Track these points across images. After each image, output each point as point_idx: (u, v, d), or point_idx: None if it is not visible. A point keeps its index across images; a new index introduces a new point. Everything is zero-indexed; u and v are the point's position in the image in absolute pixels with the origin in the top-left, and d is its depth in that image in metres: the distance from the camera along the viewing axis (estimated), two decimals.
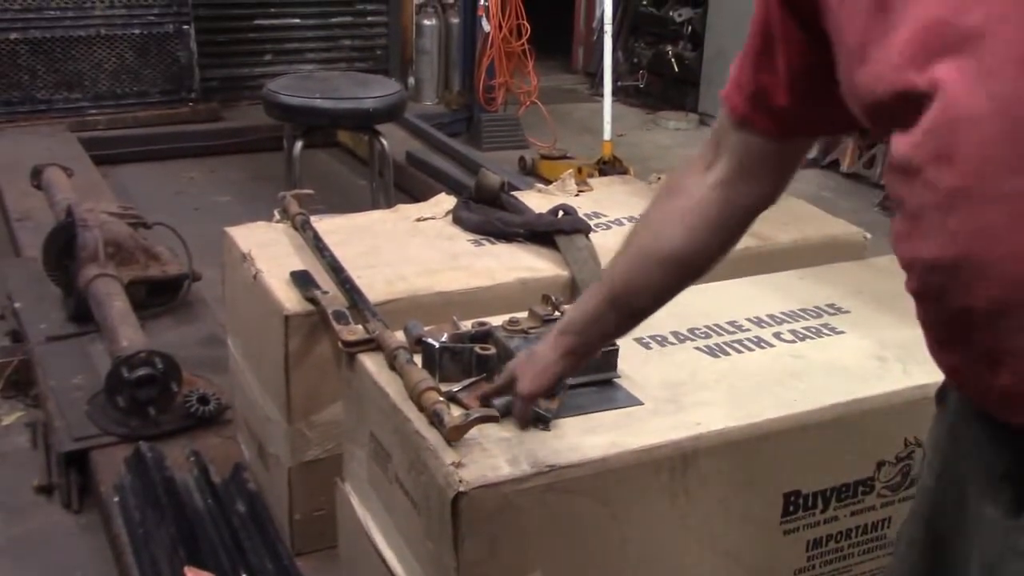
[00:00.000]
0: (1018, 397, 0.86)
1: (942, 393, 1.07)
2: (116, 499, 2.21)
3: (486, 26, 5.47)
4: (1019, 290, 0.81)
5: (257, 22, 5.98)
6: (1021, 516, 0.91)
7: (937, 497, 1.05)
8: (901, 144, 0.86)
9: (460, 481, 1.36)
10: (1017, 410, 0.88)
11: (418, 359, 1.62)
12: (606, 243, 2.26)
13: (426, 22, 6.37)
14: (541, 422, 1.47)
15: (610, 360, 1.61)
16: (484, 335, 1.66)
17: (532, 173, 5.05)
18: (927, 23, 0.81)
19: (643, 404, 1.57)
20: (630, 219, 2.43)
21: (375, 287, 2.00)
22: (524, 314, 1.71)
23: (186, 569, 1.86)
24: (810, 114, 1.08)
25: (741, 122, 1.11)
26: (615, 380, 1.61)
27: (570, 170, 2.92)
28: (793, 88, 1.06)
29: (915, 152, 0.84)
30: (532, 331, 1.65)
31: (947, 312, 0.88)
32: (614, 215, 2.45)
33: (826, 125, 1.12)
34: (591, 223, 2.31)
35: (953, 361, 0.94)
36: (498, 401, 1.48)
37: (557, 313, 1.70)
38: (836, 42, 0.95)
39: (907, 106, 0.84)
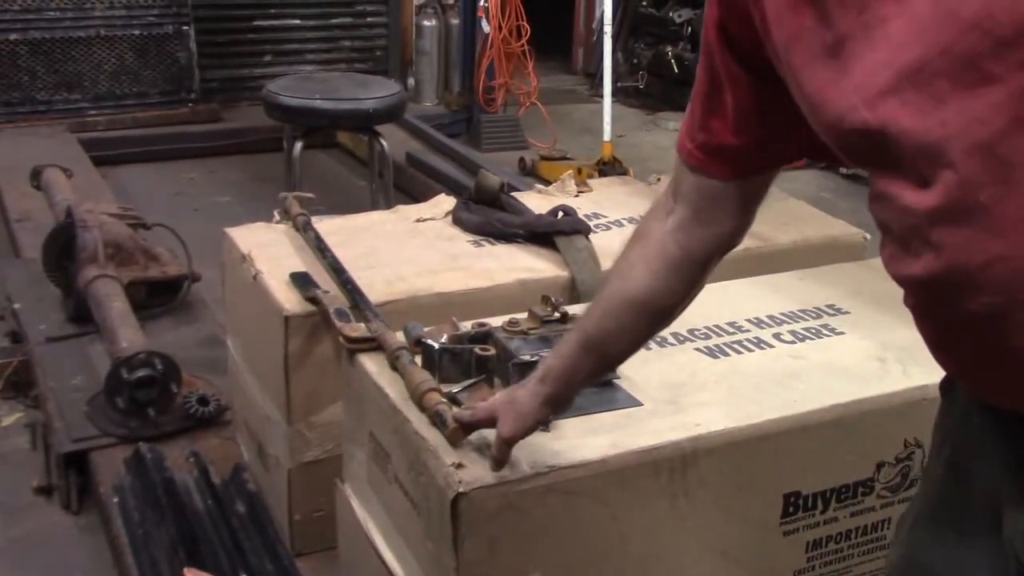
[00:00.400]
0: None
1: (948, 383, 1.07)
2: (116, 500, 2.21)
3: (486, 27, 5.47)
4: (1009, 292, 0.83)
5: (257, 23, 5.97)
6: None
7: (949, 485, 1.06)
8: (875, 178, 0.92)
9: (460, 482, 1.36)
10: None
11: (418, 360, 1.62)
12: (606, 244, 2.26)
13: (426, 23, 6.37)
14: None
15: None
16: (484, 336, 1.66)
17: (532, 174, 5.05)
18: (873, 65, 0.86)
19: (643, 405, 1.57)
20: (630, 220, 2.43)
21: (375, 288, 2.00)
22: (524, 315, 1.71)
23: (186, 570, 1.86)
24: (763, 151, 1.11)
25: (694, 168, 1.14)
26: (615, 381, 1.61)
27: (570, 171, 2.92)
28: (743, 128, 1.09)
29: (888, 185, 0.89)
30: (532, 332, 1.65)
31: (945, 322, 0.91)
32: (614, 216, 2.45)
33: (779, 159, 1.15)
34: (591, 224, 2.31)
35: (956, 363, 0.96)
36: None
37: (556, 314, 1.70)
38: (792, 88, 0.98)
39: (869, 143, 0.88)
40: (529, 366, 1.49)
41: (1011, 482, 0.96)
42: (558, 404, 1.33)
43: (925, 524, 1.11)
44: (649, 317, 1.23)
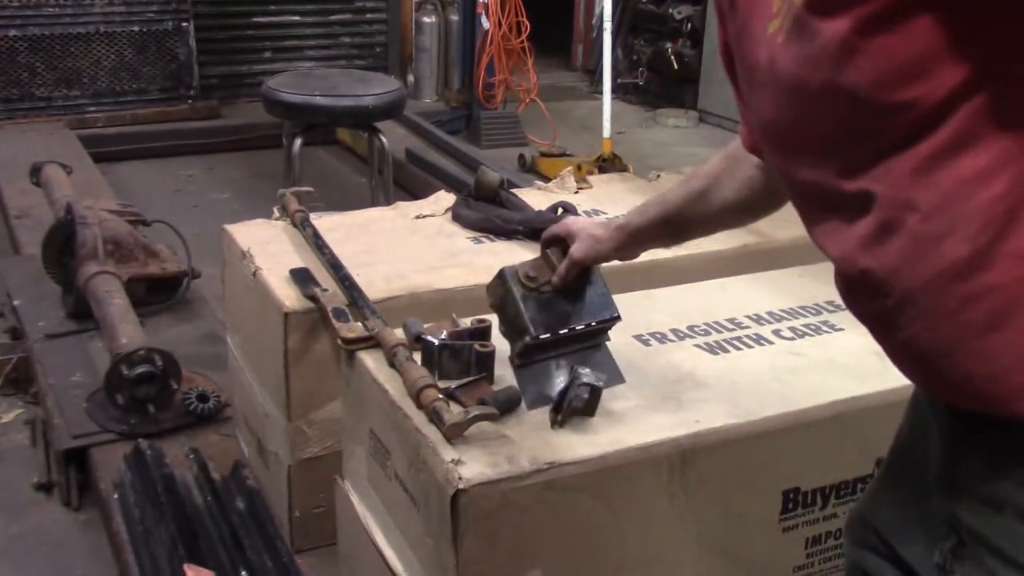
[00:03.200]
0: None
1: None
2: (115, 496, 2.21)
3: (485, 23, 5.47)
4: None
5: (256, 19, 5.97)
6: (958, 448, 0.99)
7: (904, 448, 1.17)
8: None
9: (459, 478, 1.36)
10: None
11: (417, 357, 1.62)
12: None
13: (425, 19, 6.37)
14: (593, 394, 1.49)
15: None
16: (483, 332, 1.66)
17: (531, 171, 5.05)
18: (779, 126, 1.00)
19: (625, 382, 1.56)
20: None
21: (374, 284, 2.00)
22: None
23: (185, 566, 1.86)
24: None
25: (753, 151, 1.27)
26: (605, 345, 1.60)
27: (569, 167, 2.92)
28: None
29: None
30: (545, 288, 1.62)
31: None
32: (613, 212, 2.45)
33: None
34: None
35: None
36: (496, 399, 1.48)
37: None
38: None
39: None
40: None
41: (942, 462, 1.01)
42: (626, 254, 1.52)
43: (880, 481, 1.21)
44: (726, 221, 1.43)
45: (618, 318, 1.57)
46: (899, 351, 0.98)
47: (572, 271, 1.51)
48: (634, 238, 1.47)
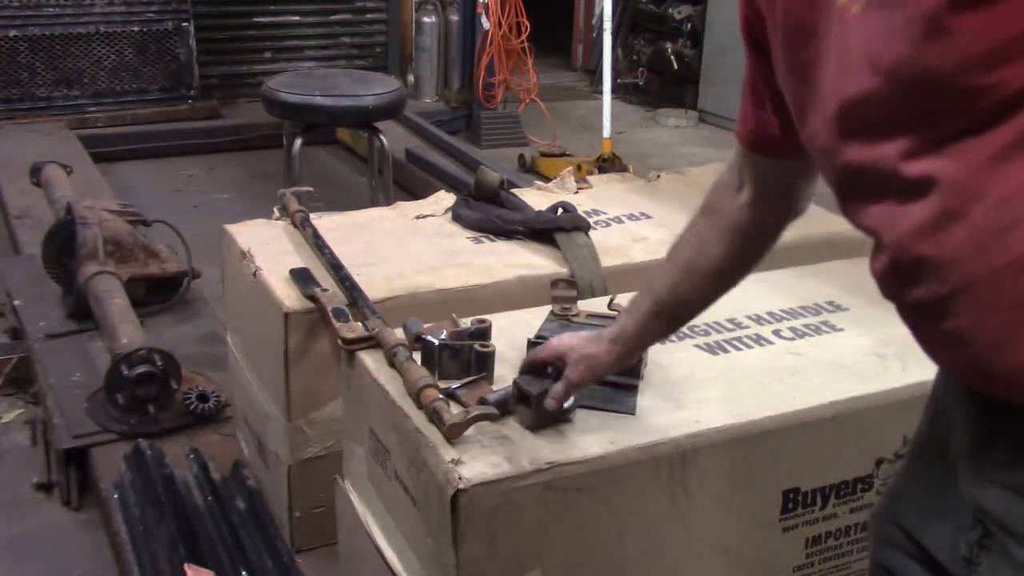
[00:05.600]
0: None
1: None
2: (116, 496, 2.21)
3: (485, 23, 5.47)
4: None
5: (256, 19, 5.98)
6: (987, 447, 0.98)
7: (928, 437, 1.15)
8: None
9: (460, 478, 1.36)
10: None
11: (417, 357, 1.62)
12: (605, 240, 2.26)
13: (425, 19, 6.37)
14: (563, 420, 1.49)
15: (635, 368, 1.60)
16: (483, 332, 1.66)
17: (531, 170, 5.05)
18: (840, 102, 0.94)
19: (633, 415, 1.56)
20: (629, 217, 2.43)
21: (374, 284, 2.00)
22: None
23: (186, 566, 1.86)
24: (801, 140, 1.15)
25: (751, 151, 1.24)
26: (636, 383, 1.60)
27: (569, 167, 2.92)
28: (781, 119, 1.15)
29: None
30: (575, 319, 1.67)
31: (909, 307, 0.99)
32: (613, 212, 2.45)
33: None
34: (590, 220, 2.31)
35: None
36: (496, 398, 1.49)
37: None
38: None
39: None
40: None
41: (970, 453, 1.00)
42: (625, 363, 1.45)
43: (903, 477, 1.21)
44: (723, 282, 1.34)
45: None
46: (942, 340, 0.94)
47: (570, 394, 1.45)
48: (630, 347, 1.40)
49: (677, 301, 1.36)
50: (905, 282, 0.94)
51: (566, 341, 1.46)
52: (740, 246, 1.29)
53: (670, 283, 1.35)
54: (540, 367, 1.47)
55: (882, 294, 1.01)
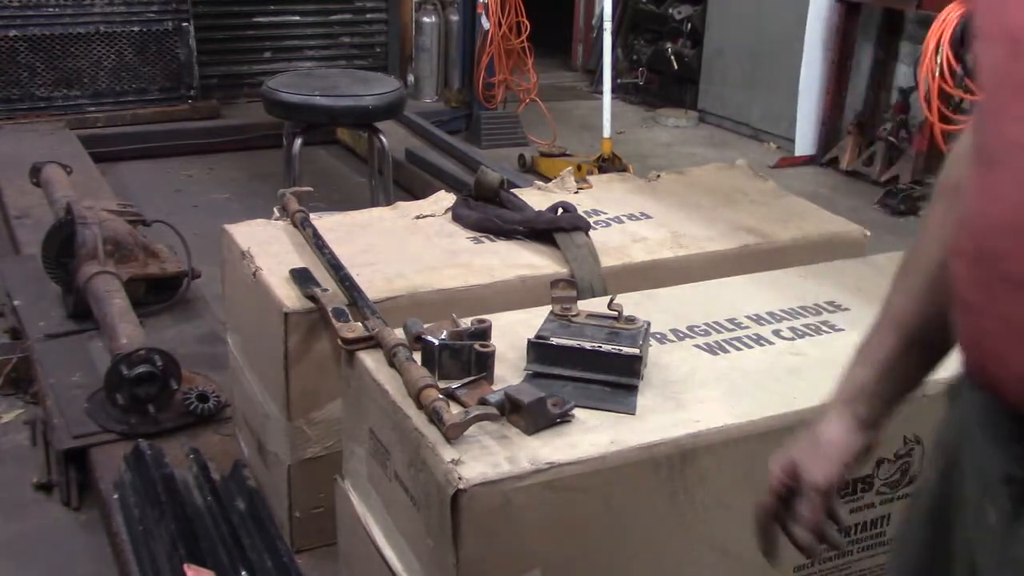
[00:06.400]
0: None
1: (955, 389, 1.02)
2: (116, 496, 2.21)
3: (485, 23, 5.47)
4: None
5: (256, 19, 5.97)
6: (1018, 523, 0.87)
7: (940, 492, 1.02)
8: None
9: (459, 478, 1.36)
10: None
11: (417, 357, 1.62)
12: (605, 240, 2.26)
13: (426, 19, 6.37)
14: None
15: (633, 367, 1.60)
16: (483, 332, 1.66)
17: (531, 170, 5.05)
18: None
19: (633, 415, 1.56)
20: (629, 216, 2.43)
21: (375, 284, 2.00)
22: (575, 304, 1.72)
23: (185, 566, 1.86)
24: None
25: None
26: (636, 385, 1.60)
27: (569, 167, 2.92)
28: None
29: None
30: (576, 319, 1.66)
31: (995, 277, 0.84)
32: (613, 212, 2.45)
33: None
34: (590, 220, 2.31)
35: (983, 334, 0.88)
36: (496, 399, 1.49)
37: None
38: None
39: None
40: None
41: (995, 493, 0.91)
42: (876, 426, 1.07)
43: (919, 534, 1.07)
44: None
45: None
46: None
47: (822, 505, 1.08)
48: (876, 408, 1.06)
49: (932, 325, 1.01)
50: None
51: (788, 452, 1.11)
52: None
53: (917, 302, 1.03)
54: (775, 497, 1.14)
55: (955, 251, 0.86)
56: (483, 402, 1.48)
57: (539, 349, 1.60)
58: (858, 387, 1.07)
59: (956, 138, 1.02)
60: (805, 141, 5.62)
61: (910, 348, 1.04)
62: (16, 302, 3.09)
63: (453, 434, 1.42)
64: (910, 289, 1.04)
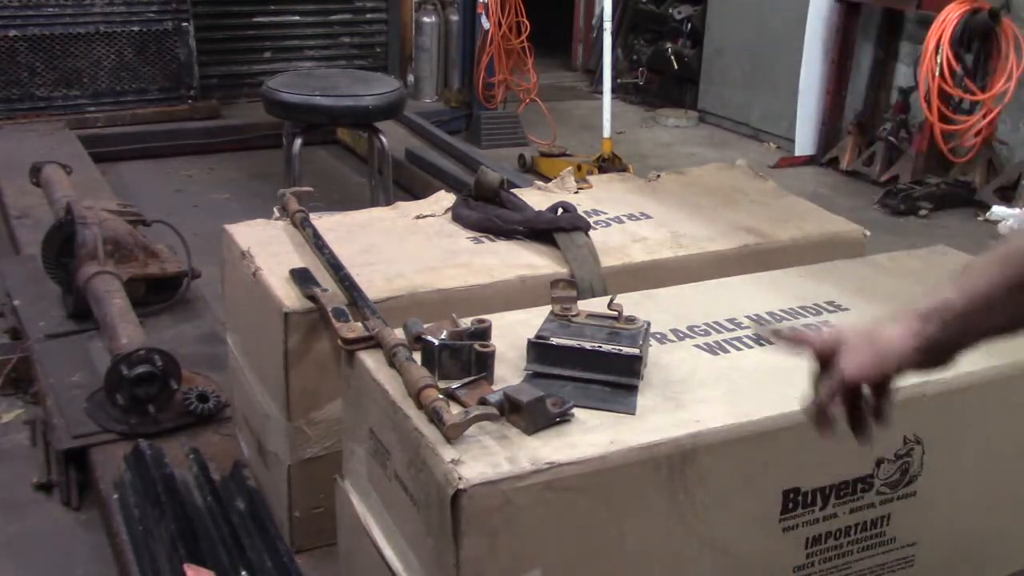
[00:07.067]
0: None
1: None
2: (115, 496, 2.21)
3: (485, 23, 5.47)
4: None
5: (256, 19, 5.98)
6: None
7: None
8: None
9: (459, 478, 1.36)
10: None
11: (417, 357, 1.62)
12: (605, 240, 2.26)
13: (425, 19, 6.37)
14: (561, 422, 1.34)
15: (634, 367, 1.60)
16: (483, 332, 1.66)
17: (531, 170, 5.05)
18: None
19: (633, 415, 1.56)
20: (629, 216, 2.43)
21: (375, 284, 2.00)
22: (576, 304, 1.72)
23: (185, 566, 1.86)
24: None
25: None
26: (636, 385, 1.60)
27: (569, 167, 2.92)
28: None
29: None
30: (576, 319, 1.66)
31: None
32: (613, 212, 2.45)
33: None
34: (590, 220, 2.31)
35: None
36: (495, 398, 1.49)
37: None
38: None
39: None
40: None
41: None
42: (938, 356, 1.00)
43: None
44: None
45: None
46: None
47: (835, 392, 1.05)
48: (952, 331, 0.98)
49: None
50: None
51: (849, 327, 1.07)
52: None
53: None
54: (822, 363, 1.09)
55: None
56: (483, 402, 1.48)
57: (539, 349, 1.60)
58: (940, 306, 0.99)
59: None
60: (805, 141, 5.62)
61: (1014, 292, 0.95)
62: (16, 302, 3.09)
63: (453, 434, 1.42)
64: None
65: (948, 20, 4.68)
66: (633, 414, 1.54)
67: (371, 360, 1.68)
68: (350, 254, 2.12)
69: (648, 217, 2.43)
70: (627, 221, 2.41)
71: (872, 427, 1.10)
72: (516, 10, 5.52)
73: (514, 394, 1.47)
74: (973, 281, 0.98)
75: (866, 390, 1.08)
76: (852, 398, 1.07)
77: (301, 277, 2.03)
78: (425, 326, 1.67)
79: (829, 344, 1.08)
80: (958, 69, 4.75)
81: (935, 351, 1.01)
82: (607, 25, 4.96)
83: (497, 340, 1.65)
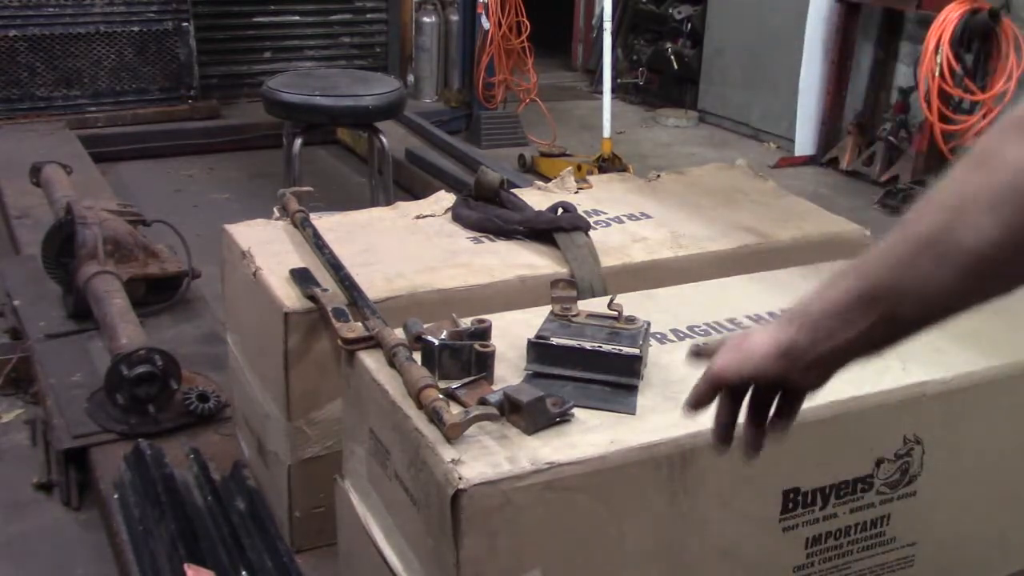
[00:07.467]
0: None
1: None
2: (116, 496, 2.21)
3: (485, 23, 5.47)
4: None
5: (256, 19, 5.98)
6: None
7: None
8: None
9: (460, 478, 1.36)
10: None
11: (417, 357, 1.62)
12: (605, 240, 2.26)
13: (425, 19, 6.37)
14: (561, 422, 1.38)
15: (633, 367, 1.60)
16: (483, 332, 1.66)
17: (531, 170, 5.05)
18: None
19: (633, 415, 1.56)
20: (629, 216, 2.43)
21: (375, 284, 2.00)
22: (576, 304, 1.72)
23: (186, 566, 1.86)
24: None
25: None
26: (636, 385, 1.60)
27: (569, 167, 2.92)
28: None
29: None
30: (576, 319, 1.66)
31: None
32: (613, 212, 2.45)
33: None
34: (590, 220, 2.31)
35: None
36: (496, 399, 1.49)
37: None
38: None
39: None
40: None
41: None
42: (806, 366, 0.95)
43: None
44: (986, 281, 0.83)
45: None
46: None
47: (705, 391, 1.04)
48: (814, 335, 0.92)
49: (898, 291, 0.85)
50: None
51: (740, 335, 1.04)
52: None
53: (893, 263, 0.85)
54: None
55: None
56: (483, 402, 1.48)
57: (539, 349, 1.60)
58: (799, 312, 0.94)
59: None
60: (805, 141, 5.62)
61: (866, 305, 0.87)
62: (16, 302, 3.09)
63: (453, 434, 1.42)
64: (892, 246, 0.87)
65: (948, 20, 4.68)
66: (633, 414, 1.54)
67: (371, 360, 1.68)
68: (350, 254, 2.12)
69: (648, 217, 2.43)
70: (627, 221, 2.41)
71: (760, 439, 1.08)
72: (516, 10, 5.52)
73: (514, 394, 1.47)
74: (829, 288, 0.92)
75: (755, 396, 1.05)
76: (730, 401, 1.05)
77: (301, 277, 2.03)
78: (425, 326, 1.67)
79: (713, 348, 1.07)
80: (958, 69, 4.75)
81: (799, 358, 0.95)
82: (607, 25, 4.96)
83: (497, 340, 1.65)
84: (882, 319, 0.88)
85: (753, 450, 1.08)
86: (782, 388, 1.03)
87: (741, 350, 0.99)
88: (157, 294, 3.11)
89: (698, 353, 1.12)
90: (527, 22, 5.56)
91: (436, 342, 1.61)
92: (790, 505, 1.62)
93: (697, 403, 1.05)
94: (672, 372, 1.66)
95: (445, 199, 2.49)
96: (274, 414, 2.10)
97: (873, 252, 0.90)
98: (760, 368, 0.98)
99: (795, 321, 0.95)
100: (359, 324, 1.77)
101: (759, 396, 1.05)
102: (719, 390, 1.04)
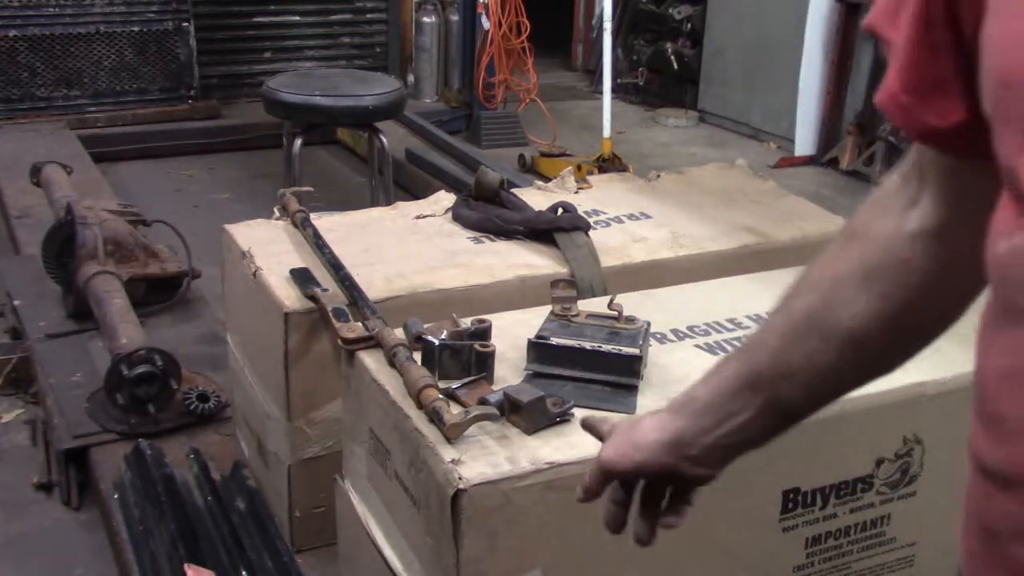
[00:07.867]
0: None
1: None
2: (116, 496, 2.21)
3: (485, 23, 5.47)
4: None
5: (256, 19, 5.97)
6: None
7: None
8: None
9: (460, 478, 1.36)
10: None
11: (417, 357, 1.62)
12: (605, 240, 2.26)
13: (426, 19, 6.37)
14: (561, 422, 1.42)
15: (633, 367, 1.60)
16: (483, 332, 1.66)
17: (531, 170, 5.05)
18: None
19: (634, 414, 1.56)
20: (629, 216, 2.43)
21: (375, 284, 2.00)
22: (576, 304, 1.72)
23: (186, 566, 1.86)
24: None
25: (921, 141, 0.78)
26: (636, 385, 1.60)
27: (569, 167, 2.92)
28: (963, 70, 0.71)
29: None
30: (576, 319, 1.66)
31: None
32: (613, 212, 2.45)
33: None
34: (590, 220, 2.31)
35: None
36: (496, 399, 1.49)
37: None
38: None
39: None
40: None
41: None
42: (696, 454, 0.93)
43: None
44: (861, 358, 0.85)
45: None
46: None
47: (598, 481, 0.99)
48: (702, 423, 0.91)
49: (782, 373, 0.86)
50: None
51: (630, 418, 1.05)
52: (898, 302, 0.80)
53: (775, 344, 0.87)
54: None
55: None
56: (483, 402, 1.48)
57: (539, 349, 1.60)
58: (686, 398, 0.93)
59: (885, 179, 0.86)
60: (805, 141, 5.62)
61: (752, 387, 0.88)
62: (16, 302, 3.09)
63: (453, 434, 1.43)
64: (772, 327, 0.89)
65: None
66: (633, 414, 1.54)
67: (371, 360, 1.68)
68: (350, 254, 2.12)
69: (648, 217, 2.44)
70: (627, 221, 2.41)
71: (652, 532, 1.05)
72: (516, 10, 5.51)
73: (514, 394, 1.47)
74: (714, 373, 0.92)
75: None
76: (623, 491, 1.01)
77: (301, 277, 2.03)
78: (425, 326, 1.67)
79: (605, 432, 1.02)
80: None
81: (687, 448, 0.92)
82: (607, 25, 4.95)
83: (497, 340, 1.65)
84: (767, 404, 0.89)
85: (644, 543, 1.05)
86: (672, 481, 0.99)
87: (629, 440, 0.96)
88: (157, 294, 3.11)
89: (589, 429, 1.08)
90: (527, 22, 5.55)
91: (436, 342, 1.61)
92: (790, 505, 1.62)
93: (588, 494, 1.01)
94: (672, 372, 1.66)
95: (445, 199, 2.50)
96: (274, 414, 2.10)
97: (757, 333, 0.91)
98: (648, 460, 0.95)
99: (683, 409, 0.93)
100: (359, 324, 1.77)
101: (649, 488, 1.01)
102: (609, 481, 0.99)
